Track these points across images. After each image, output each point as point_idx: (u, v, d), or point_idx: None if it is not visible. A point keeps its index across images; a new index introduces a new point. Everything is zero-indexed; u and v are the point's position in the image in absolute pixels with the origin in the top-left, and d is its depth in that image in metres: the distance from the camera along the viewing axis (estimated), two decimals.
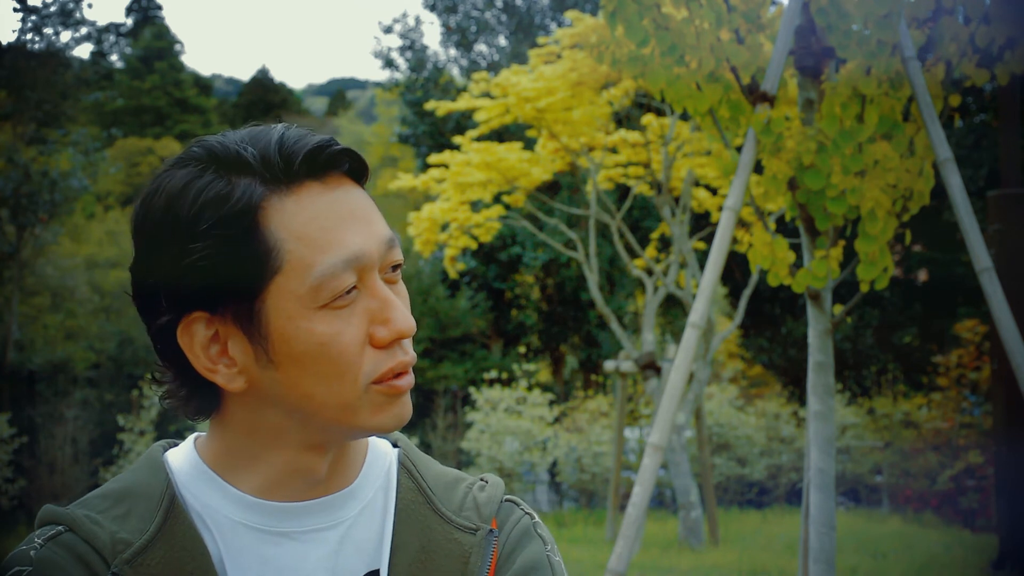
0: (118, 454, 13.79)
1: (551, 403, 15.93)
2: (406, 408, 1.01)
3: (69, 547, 0.96)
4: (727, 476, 15.26)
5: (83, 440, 13.94)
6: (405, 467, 1.09)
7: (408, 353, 1.00)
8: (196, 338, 0.98)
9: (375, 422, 0.99)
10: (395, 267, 1.01)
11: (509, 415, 14.71)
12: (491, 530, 1.07)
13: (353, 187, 1.00)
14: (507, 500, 1.12)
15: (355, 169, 1.01)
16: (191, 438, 1.07)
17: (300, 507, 1.01)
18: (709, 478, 11.30)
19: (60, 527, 0.98)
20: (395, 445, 1.12)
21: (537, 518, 1.11)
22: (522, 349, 20.78)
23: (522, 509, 1.11)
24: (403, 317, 0.98)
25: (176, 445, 1.08)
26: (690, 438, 13.17)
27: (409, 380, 1.00)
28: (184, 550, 0.97)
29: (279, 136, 0.98)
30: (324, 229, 0.96)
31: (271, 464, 1.01)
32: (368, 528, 1.04)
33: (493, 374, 15.90)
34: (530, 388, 15.69)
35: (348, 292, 0.96)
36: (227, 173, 0.96)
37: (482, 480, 1.12)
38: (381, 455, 1.09)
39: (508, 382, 16.12)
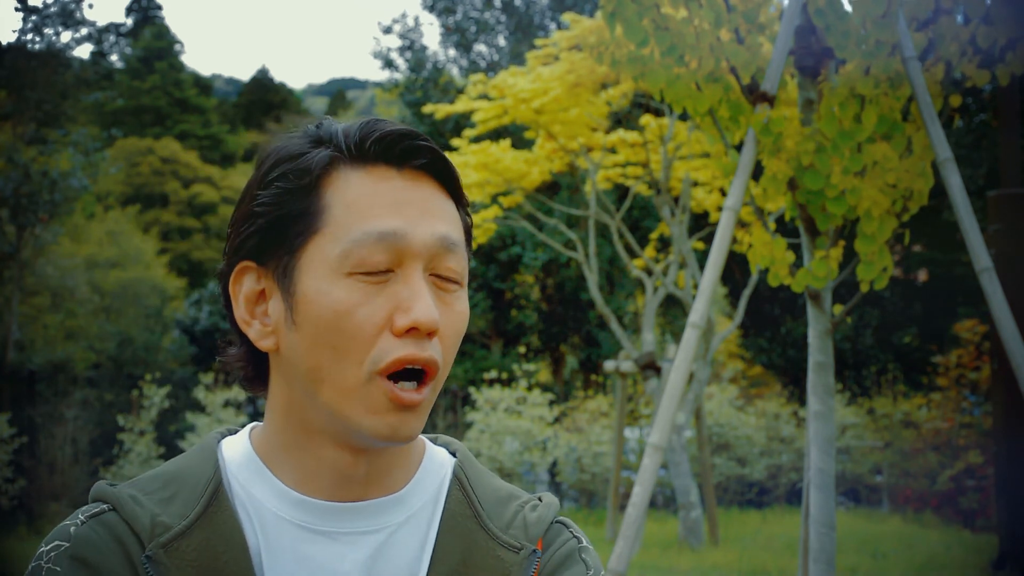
0: (118, 454, 13.79)
1: (551, 403, 15.93)
2: (406, 424, 0.97)
3: (109, 527, 0.98)
4: (727, 476, 15.26)
5: (83, 440, 13.93)
6: (458, 478, 1.08)
7: (425, 351, 0.96)
8: (244, 288, 1.01)
9: (368, 423, 0.96)
10: (450, 280, 1.00)
11: (509, 415, 14.71)
12: (535, 550, 1.05)
13: (431, 186, 1.01)
14: (557, 522, 1.09)
15: (442, 173, 1.01)
16: (248, 427, 1.08)
17: (344, 508, 1.01)
18: (709, 478, 11.30)
19: (105, 505, 1.00)
20: (454, 454, 1.11)
21: (586, 542, 1.09)
22: (522, 349, 20.78)
23: (571, 532, 1.09)
24: (426, 309, 0.95)
25: (234, 433, 1.09)
26: (690, 438, 13.17)
27: (415, 397, 0.96)
28: (223, 538, 0.98)
29: (370, 119, 1.01)
30: (373, 205, 0.97)
31: (304, 455, 1.01)
32: (412, 536, 1.03)
33: (493, 374, 15.91)
34: (530, 388, 15.69)
35: (380, 271, 0.96)
36: (316, 141, 1.01)
37: (537, 499, 1.11)
38: (438, 464, 1.08)
39: (508, 382, 16.12)
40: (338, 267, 0.96)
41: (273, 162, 1.00)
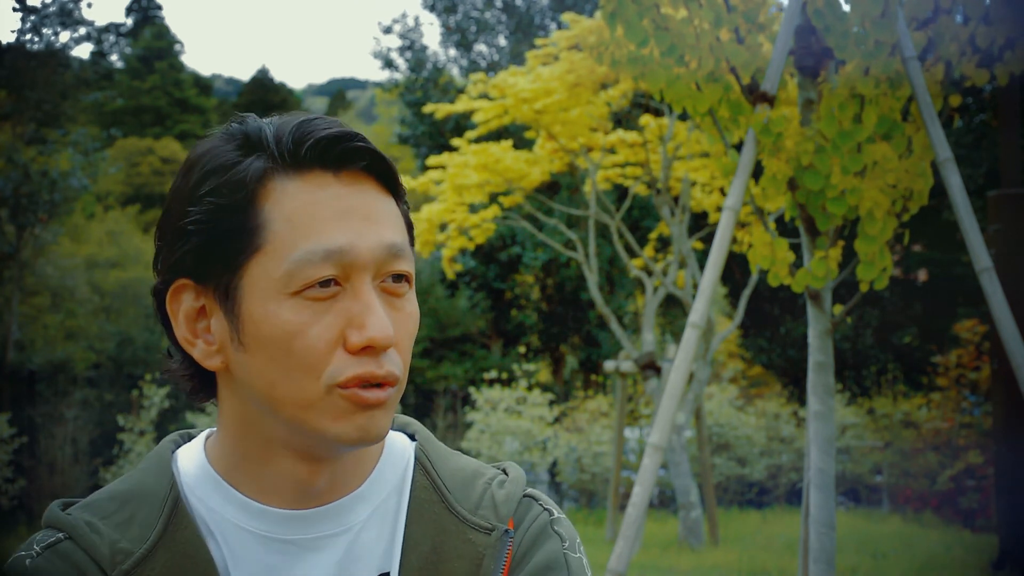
0: (118, 454, 13.79)
1: (551, 403, 15.93)
2: (374, 423, 0.94)
3: (66, 556, 0.94)
4: (727, 476, 15.26)
5: (83, 440, 13.94)
6: (421, 463, 1.05)
7: (382, 366, 0.93)
8: (182, 306, 0.97)
9: (336, 430, 0.93)
10: (398, 278, 0.96)
11: (509, 415, 14.71)
12: (507, 530, 1.02)
13: (371, 188, 0.97)
14: (526, 496, 1.07)
15: (381, 173, 0.97)
16: (202, 435, 1.05)
17: (307, 514, 0.99)
18: (709, 478, 11.30)
19: (60, 534, 0.96)
20: (413, 438, 1.09)
21: (557, 513, 1.07)
22: (522, 349, 20.78)
23: (541, 505, 1.06)
24: (380, 325, 0.92)
25: (189, 439, 1.06)
26: (690, 438, 13.17)
27: (380, 395, 0.94)
28: (187, 557, 0.95)
29: (302, 120, 0.96)
30: (315, 218, 0.93)
31: (267, 470, 0.98)
32: (380, 530, 1.01)
33: (493, 374, 15.91)
34: (530, 388, 15.69)
35: (326, 285, 0.92)
36: (245, 147, 0.95)
37: (503, 473, 1.08)
38: (398, 453, 1.06)
39: (508, 382, 16.12)
40: (283, 287, 0.92)
41: (202, 174, 0.95)
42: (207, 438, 1.04)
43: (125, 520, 0.97)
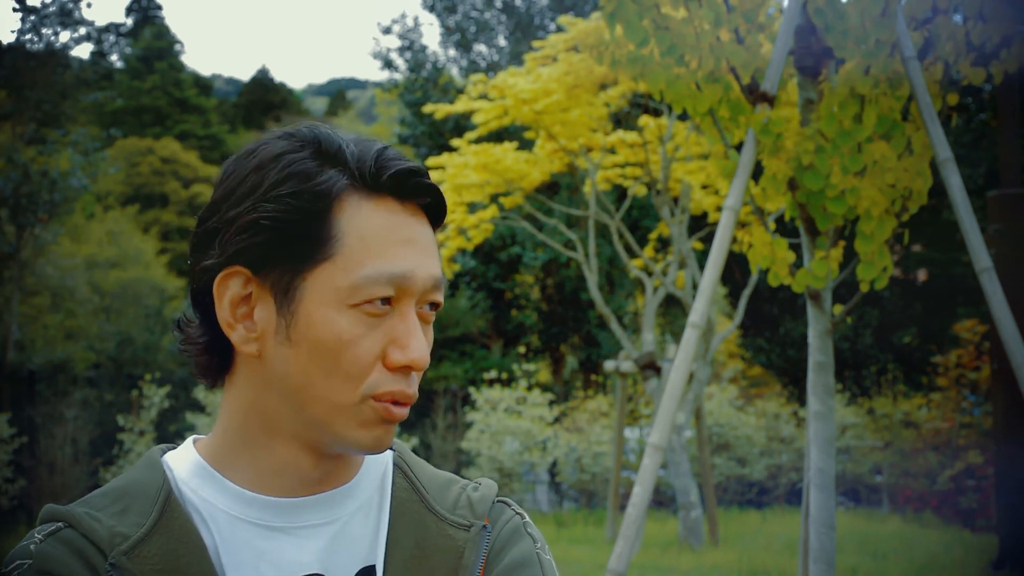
0: (118, 454, 13.79)
1: (551, 403, 15.93)
2: (389, 436, 1.03)
3: (68, 542, 0.99)
4: (727, 476, 15.26)
5: (83, 440, 13.93)
6: (399, 467, 1.12)
7: (412, 387, 1.02)
8: (230, 290, 1.02)
9: (356, 436, 1.01)
10: (433, 306, 1.05)
11: (509, 415, 14.71)
12: (484, 526, 1.09)
13: (425, 221, 1.05)
14: (498, 501, 1.15)
15: (434, 209, 1.06)
16: (189, 440, 1.10)
17: (296, 503, 1.04)
18: (709, 478, 11.30)
19: (60, 524, 1.01)
20: (391, 447, 1.15)
21: (527, 518, 1.15)
22: (522, 349, 20.79)
23: (513, 509, 1.15)
24: (421, 348, 1.01)
25: (175, 448, 1.11)
26: (690, 438, 13.17)
27: (403, 412, 1.02)
28: (181, 542, 1.00)
29: (382, 147, 1.04)
30: (386, 241, 1.01)
31: (263, 455, 1.04)
32: (364, 525, 1.07)
33: (493, 374, 15.91)
34: (530, 388, 15.69)
35: (383, 303, 1.00)
36: (322, 159, 1.02)
37: (476, 482, 1.15)
38: (377, 456, 1.12)
39: (508, 382, 16.12)
40: (346, 298, 0.99)
41: (283, 175, 1.01)
42: (195, 441, 1.10)
43: (120, 511, 1.02)
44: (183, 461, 1.07)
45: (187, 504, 1.03)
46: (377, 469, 1.11)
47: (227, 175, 1.04)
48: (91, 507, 1.02)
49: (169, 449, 1.11)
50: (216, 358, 1.06)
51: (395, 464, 1.13)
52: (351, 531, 1.06)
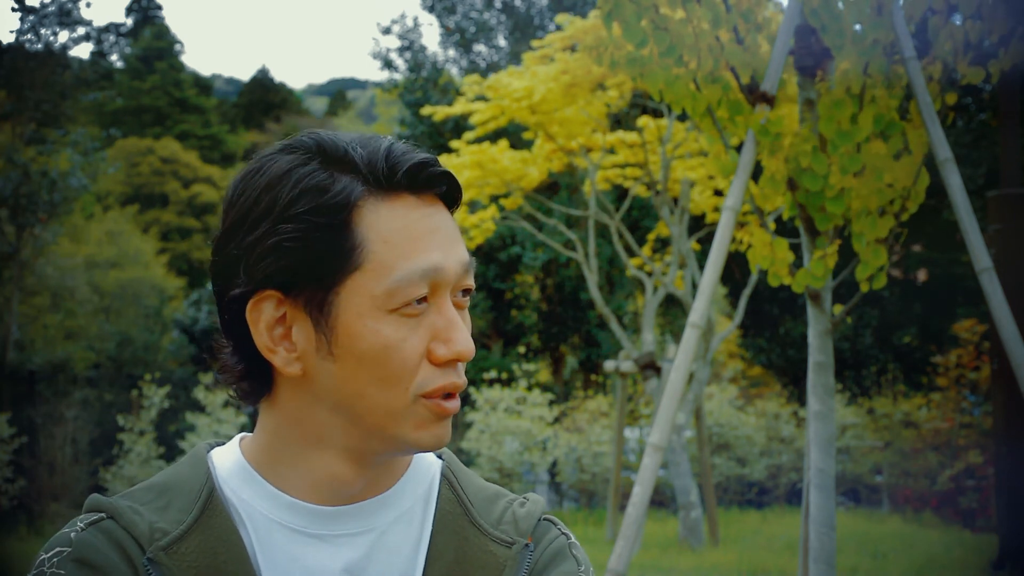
0: (118, 454, 13.79)
1: (551, 403, 15.93)
2: (447, 431, 1.02)
3: (108, 533, 1.00)
4: (727, 476, 15.26)
5: (83, 440, 13.94)
6: (447, 479, 1.11)
7: (461, 377, 1.01)
8: (264, 315, 1.00)
9: (415, 436, 1.01)
10: (466, 292, 1.04)
11: (509, 415, 14.71)
12: (527, 544, 1.08)
13: (444, 209, 1.04)
14: (545, 519, 1.12)
15: (450, 193, 1.05)
16: (236, 437, 1.10)
17: (333, 511, 1.04)
18: (709, 478, 11.30)
19: (102, 514, 1.02)
20: (440, 457, 1.14)
21: (574, 539, 1.12)
22: (522, 349, 20.78)
23: (559, 529, 1.12)
24: (465, 339, 1.00)
25: (222, 444, 1.11)
26: (690, 438, 13.17)
27: (456, 404, 1.02)
28: (219, 541, 1.01)
29: (388, 145, 1.02)
30: (410, 239, 0.99)
31: (309, 468, 1.03)
32: (404, 536, 1.06)
33: (493, 374, 15.91)
34: (530, 388, 15.70)
35: (419, 303, 0.99)
36: (331, 168, 1.00)
37: (523, 497, 1.14)
38: (425, 466, 1.11)
39: (508, 382, 16.12)
40: (384, 304, 0.98)
41: (296, 192, 0.98)
42: (241, 440, 1.10)
43: (163, 506, 1.03)
44: (227, 460, 1.07)
45: (227, 503, 1.04)
46: (423, 479, 1.10)
47: (237, 196, 1.02)
48: (134, 500, 1.03)
49: (216, 445, 1.11)
50: (257, 380, 1.05)
51: (443, 475, 1.11)
52: (389, 541, 1.05)
